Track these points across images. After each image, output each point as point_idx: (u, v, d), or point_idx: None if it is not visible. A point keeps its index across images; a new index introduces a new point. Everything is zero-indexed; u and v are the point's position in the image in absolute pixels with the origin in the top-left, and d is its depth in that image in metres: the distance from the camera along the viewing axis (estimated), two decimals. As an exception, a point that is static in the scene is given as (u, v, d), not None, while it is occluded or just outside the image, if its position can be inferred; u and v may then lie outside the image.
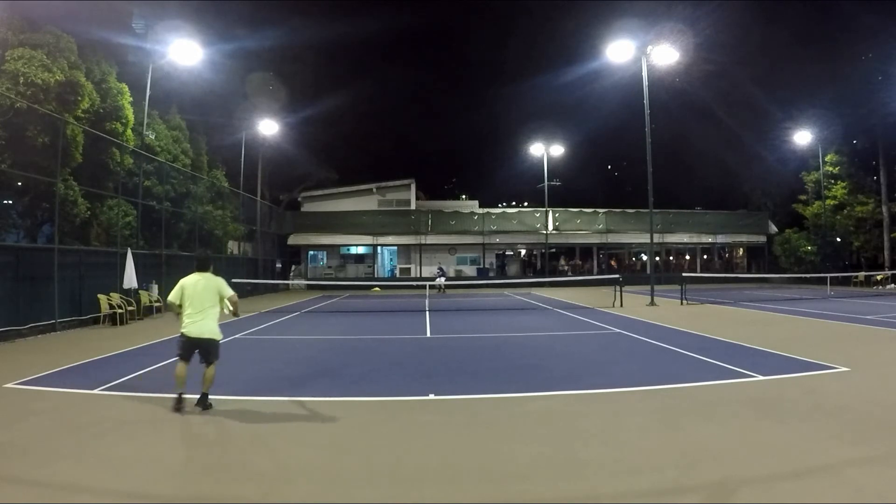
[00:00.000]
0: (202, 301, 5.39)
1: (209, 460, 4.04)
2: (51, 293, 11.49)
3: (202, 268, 5.68)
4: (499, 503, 3.33)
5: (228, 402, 5.62)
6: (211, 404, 5.32)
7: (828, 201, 31.36)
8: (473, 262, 34.52)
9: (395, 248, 34.71)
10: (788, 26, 33.55)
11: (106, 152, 14.41)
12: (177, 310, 5.43)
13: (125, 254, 13.91)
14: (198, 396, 5.30)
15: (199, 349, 5.36)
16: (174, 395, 5.23)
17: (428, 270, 32.66)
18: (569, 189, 50.91)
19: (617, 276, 20.30)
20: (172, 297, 5.46)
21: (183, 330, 5.36)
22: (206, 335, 5.37)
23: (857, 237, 30.99)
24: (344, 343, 10.18)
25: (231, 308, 5.65)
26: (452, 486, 3.56)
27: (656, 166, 19.60)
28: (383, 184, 35.40)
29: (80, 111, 13.10)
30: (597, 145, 56.64)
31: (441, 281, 27.34)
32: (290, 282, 30.14)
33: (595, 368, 7.60)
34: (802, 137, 31.07)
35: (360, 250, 34.67)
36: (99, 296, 12.93)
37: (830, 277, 23.35)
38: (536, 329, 12.00)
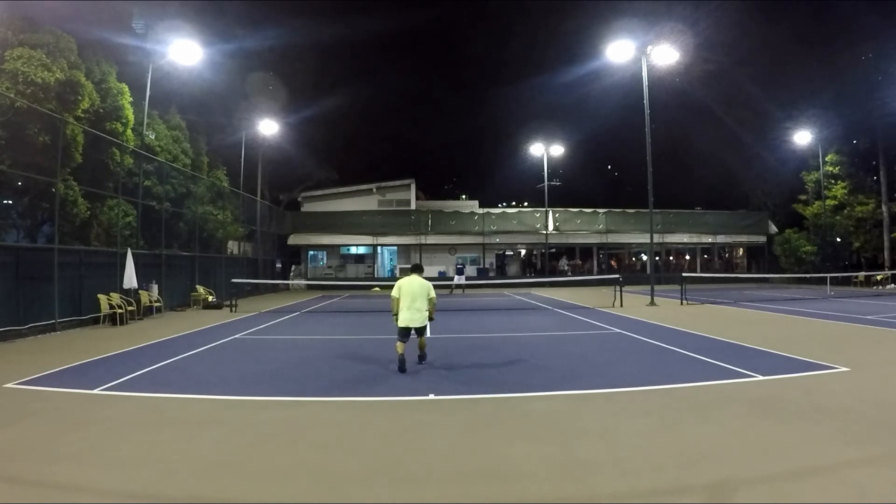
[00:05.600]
0: (415, 297, 7.24)
1: (209, 460, 4.03)
2: (51, 293, 11.49)
3: (416, 271, 7.71)
4: (499, 503, 3.33)
5: (228, 402, 5.63)
6: (425, 355, 7.68)
7: (828, 201, 31.34)
8: (473, 262, 34.52)
9: (395, 248, 34.71)
10: (788, 26, 33.47)
11: (106, 152, 14.41)
12: (395, 307, 7.28)
13: (125, 254, 13.91)
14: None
15: (415, 331, 7.29)
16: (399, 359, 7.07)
17: (429, 270, 32.65)
18: (569, 189, 50.94)
19: (617, 276, 20.31)
20: (394, 292, 7.34)
21: (400, 323, 7.21)
22: (417, 324, 7.27)
23: (857, 237, 30.96)
24: (344, 343, 10.17)
25: (429, 307, 7.34)
26: (452, 486, 3.56)
27: (656, 166, 19.61)
28: (383, 184, 35.42)
29: (80, 111, 13.10)
30: (597, 145, 56.53)
31: (461, 279, 27.25)
32: (290, 282, 30.14)
33: (595, 368, 7.60)
34: (802, 137, 31.04)
35: (360, 250, 34.68)
36: (99, 296, 12.93)
37: (830, 277, 23.32)
38: (536, 329, 12.00)
